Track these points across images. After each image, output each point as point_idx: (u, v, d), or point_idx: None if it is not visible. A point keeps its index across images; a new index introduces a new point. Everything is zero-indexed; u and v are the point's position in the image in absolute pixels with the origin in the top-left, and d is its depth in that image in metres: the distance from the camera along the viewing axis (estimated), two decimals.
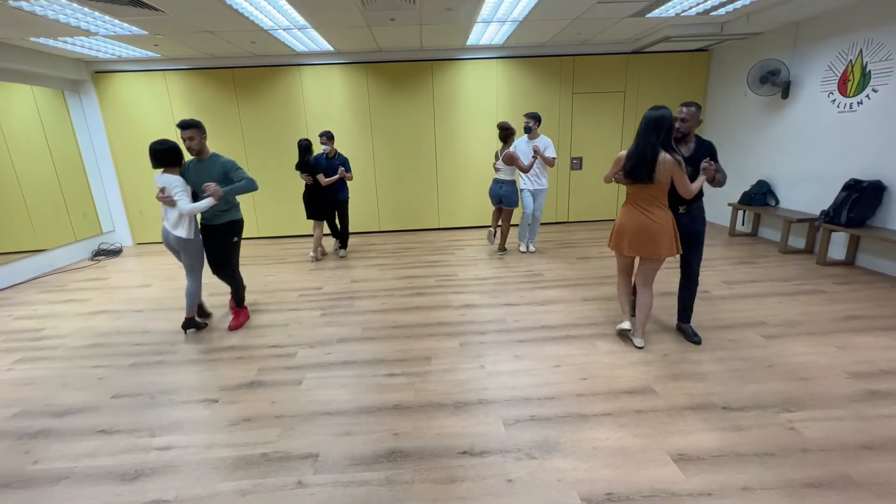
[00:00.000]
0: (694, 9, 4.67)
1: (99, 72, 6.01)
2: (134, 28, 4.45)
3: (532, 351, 2.96)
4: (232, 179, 3.23)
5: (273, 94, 6.22)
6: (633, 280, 3.19)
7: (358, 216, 6.57)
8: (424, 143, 6.55)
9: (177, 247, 3.22)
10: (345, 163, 5.21)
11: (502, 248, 5.45)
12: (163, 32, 4.65)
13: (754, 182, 5.60)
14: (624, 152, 2.75)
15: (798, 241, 5.05)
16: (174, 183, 3.08)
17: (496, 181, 5.07)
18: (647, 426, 2.15)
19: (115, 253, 6.16)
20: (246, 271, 4.31)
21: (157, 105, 6.17)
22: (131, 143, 6.27)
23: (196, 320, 3.44)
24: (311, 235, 6.65)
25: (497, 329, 3.31)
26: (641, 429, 2.14)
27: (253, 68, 6.09)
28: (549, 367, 2.75)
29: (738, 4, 4.57)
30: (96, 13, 3.91)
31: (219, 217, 3.30)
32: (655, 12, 4.70)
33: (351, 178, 5.33)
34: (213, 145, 6.25)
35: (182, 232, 3.13)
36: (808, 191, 4.96)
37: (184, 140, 3.17)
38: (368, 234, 6.80)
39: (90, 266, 5.63)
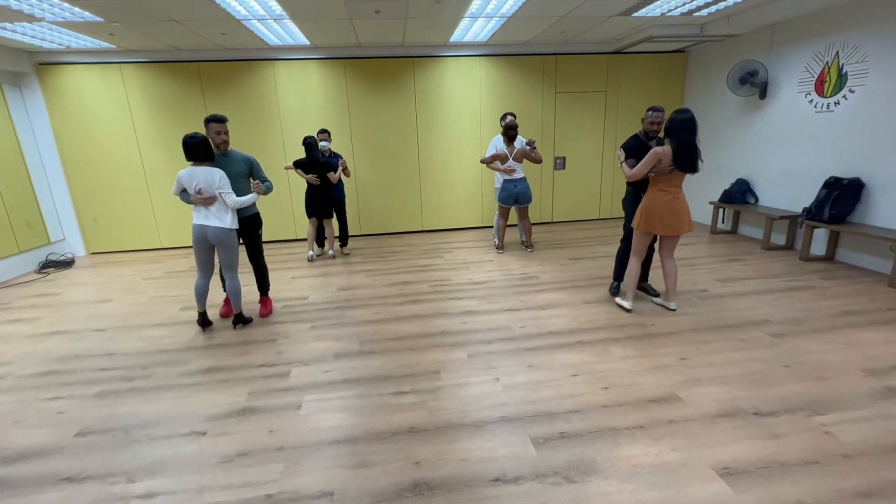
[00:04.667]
0: (679, 9, 4.70)
1: (44, 63, 5.42)
2: (87, 14, 3.99)
3: (545, 360, 2.81)
4: (255, 174, 3.48)
5: (244, 91, 5.82)
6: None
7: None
8: (406, 143, 6.32)
9: (216, 241, 3.20)
10: (340, 158, 5.20)
11: (531, 248, 5.42)
12: (120, 20, 4.21)
13: (734, 180, 5.73)
14: (660, 149, 3.09)
15: (778, 238, 5.19)
16: (217, 177, 3.10)
17: (511, 181, 4.97)
18: (683, 438, 2.04)
19: (67, 264, 5.57)
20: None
21: (112, 101, 5.62)
22: (82, 142, 5.70)
23: (244, 315, 3.49)
24: (291, 240, 6.32)
25: (503, 337, 3.15)
26: (677, 441, 2.02)
27: (221, 62, 5.67)
28: (567, 376, 2.61)
29: (721, 6, 4.63)
30: None
31: (246, 211, 3.47)
32: (642, 11, 4.70)
33: (349, 175, 5.41)
34: (180, 145, 5.80)
35: (227, 223, 3.17)
36: (786, 189, 5.10)
37: (217, 133, 3.25)
38: (349, 237, 6.48)
39: (37, 280, 5.05)
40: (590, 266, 4.70)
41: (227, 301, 3.73)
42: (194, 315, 3.73)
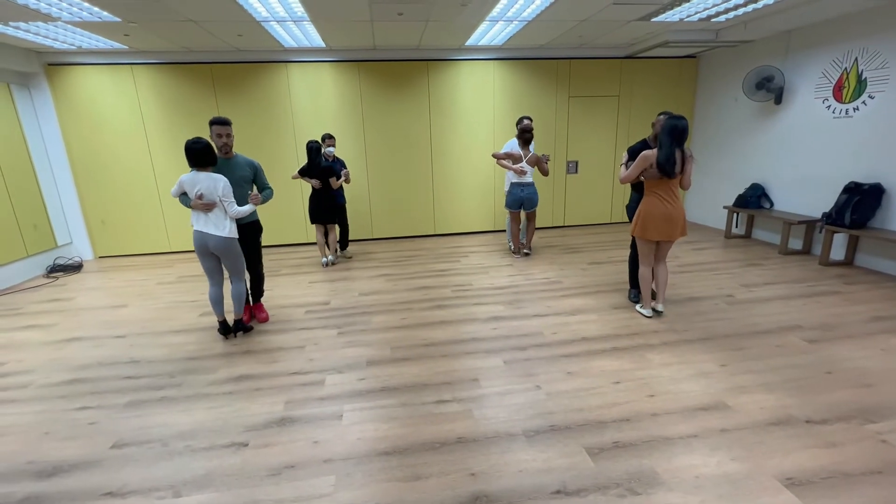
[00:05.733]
0: (697, 15, 4.71)
1: (53, 64, 5.32)
2: (105, 13, 3.92)
3: (583, 367, 2.77)
4: (259, 180, 3.42)
5: (257, 93, 5.75)
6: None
7: (351, 223, 6.18)
8: (420, 147, 6.28)
9: (218, 250, 3.11)
10: (343, 166, 5.12)
11: (527, 251, 5.35)
12: (138, 20, 4.14)
13: (748, 185, 5.75)
14: (649, 152, 3.12)
15: (795, 243, 5.20)
16: (220, 184, 3.01)
17: (519, 185, 4.93)
18: (740, 447, 2.01)
19: (75, 268, 5.46)
20: None
21: (122, 102, 5.53)
22: (91, 143, 5.60)
23: (245, 323, 3.43)
24: (303, 244, 6.24)
25: (537, 343, 3.11)
26: (735, 451, 1.99)
27: (234, 64, 5.60)
28: (609, 383, 2.57)
29: (739, 12, 4.64)
30: None
31: (246, 218, 3.39)
32: (661, 17, 4.71)
33: (349, 182, 5.30)
34: None
35: (226, 231, 3.08)
36: (802, 194, 5.13)
37: (220, 136, 3.18)
38: (363, 241, 6.43)
39: (47, 284, 4.93)
40: (611, 270, 4.68)
41: (246, 308, 3.66)
42: (215, 321, 3.65)
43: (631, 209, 3.66)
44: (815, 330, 3.15)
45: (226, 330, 3.31)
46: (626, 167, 3.34)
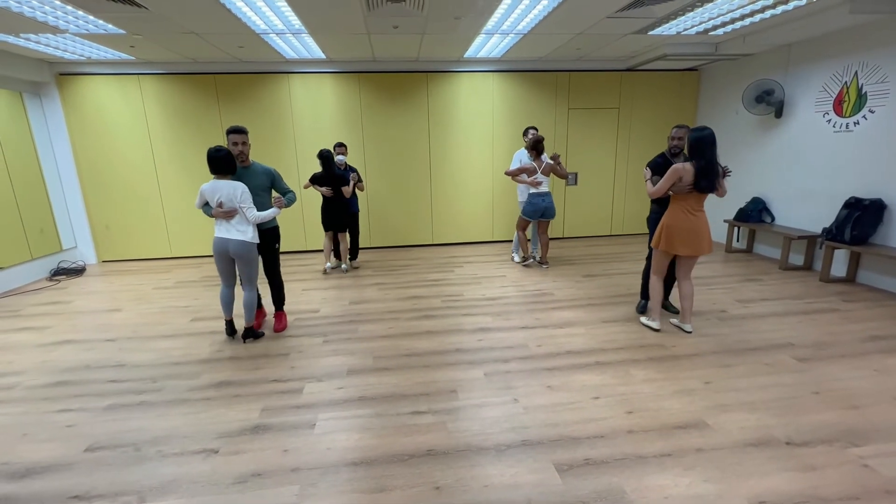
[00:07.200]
0: (695, 28, 4.71)
1: (64, 74, 5.49)
2: (110, 26, 4.05)
3: (564, 381, 2.74)
4: (277, 186, 3.46)
5: (259, 103, 5.86)
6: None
7: None
8: (418, 157, 6.33)
9: (237, 255, 3.18)
10: (355, 172, 5.22)
11: (545, 261, 5.33)
12: (142, 32, 4.26)
13: (749, 199, 5.68)
14: (679, 166, 3.03)
15: (796, 258, 5.10)
16: (239, 191, 3.09)
17: (538, 194, 4.93)
18: (715, 468, 1.96)
19: (78, 272, 5.57)
20: None
21: (129, 111, 5.68)
22: (98, 151, 5.75)
23: (256, 330, 3.44)
24: (301, 252, 6.30)
25: (520, 356, 3.08)
26: (709, 472, 1.94)
27: (237, 74, 5.73)
28: (588, 399, 2.53)
29: (737, 25, 4.63)
30: (69, 7, 3.51)
31: (265, 225, 3.42)
32: (658, 30, 4.71)
33: (363, 189, 5.44)
34: (194, 156, 5.84)
35: (248, 236, 3.16)
36: (803, 208, 5.04)
37: (235, 145, 3.20)
38: (360, 250, 6.46)
39: (49, 287, 5.04)
40: (605, 283, 4.63)
41: (261, 313, 3.76)
42: (205, 326, 3.72)
43: (652, 221, 3.62)
44: (808, 348, 3.08)
45: (232, 331, 3.42)
46: (653, 182, 3.30)
